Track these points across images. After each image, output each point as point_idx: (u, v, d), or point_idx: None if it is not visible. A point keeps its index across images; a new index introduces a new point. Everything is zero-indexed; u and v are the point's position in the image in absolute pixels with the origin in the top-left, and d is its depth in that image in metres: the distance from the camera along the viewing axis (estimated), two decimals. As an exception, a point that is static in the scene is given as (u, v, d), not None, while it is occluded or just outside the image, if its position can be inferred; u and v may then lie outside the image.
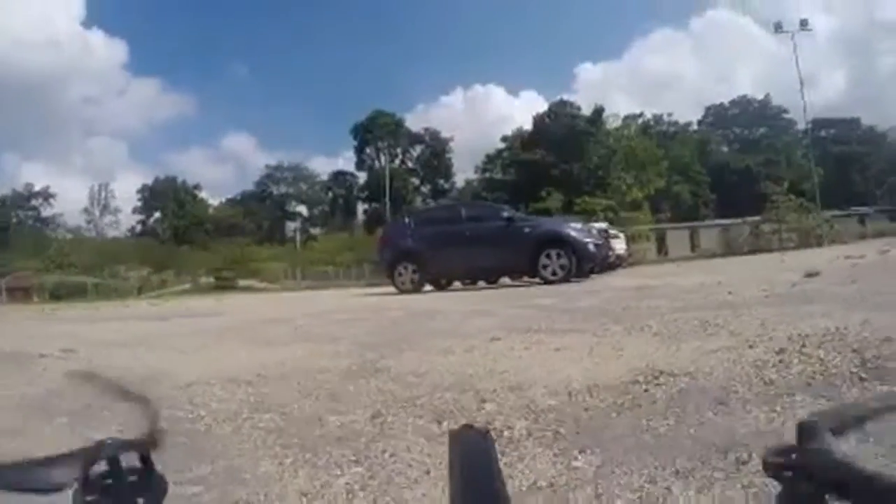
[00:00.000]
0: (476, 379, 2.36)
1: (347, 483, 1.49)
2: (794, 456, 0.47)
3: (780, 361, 2.09)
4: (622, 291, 6.09)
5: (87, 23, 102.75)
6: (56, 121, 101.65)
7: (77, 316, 9.86)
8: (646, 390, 1.88)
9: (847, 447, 0.44)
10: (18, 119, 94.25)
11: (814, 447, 0.46)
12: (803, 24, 35.96)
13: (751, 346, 2.34)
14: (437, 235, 11.84)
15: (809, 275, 5.02)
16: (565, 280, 10.50)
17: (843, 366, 1.99)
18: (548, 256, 10.74)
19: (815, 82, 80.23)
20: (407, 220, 13.37)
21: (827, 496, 0.45)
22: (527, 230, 11.08)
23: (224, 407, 2.31)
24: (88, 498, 0.46)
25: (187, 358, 3.69)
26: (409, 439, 1.75)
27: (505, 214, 11.50)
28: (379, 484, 1.47)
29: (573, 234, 10.96)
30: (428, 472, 1.50)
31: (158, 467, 0.50)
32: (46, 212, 69.08)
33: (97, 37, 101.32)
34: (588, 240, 10.99)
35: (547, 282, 10.52)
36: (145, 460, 0.50)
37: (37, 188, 68.79)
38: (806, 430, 0.46)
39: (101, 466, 0.47)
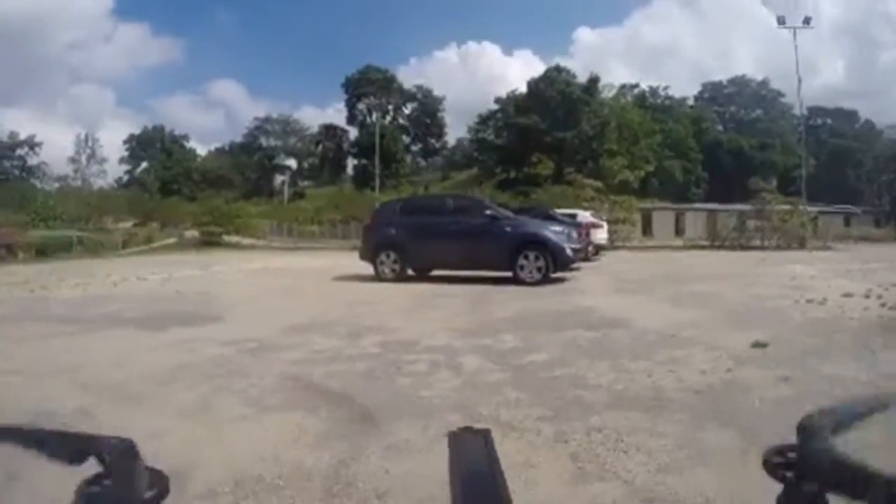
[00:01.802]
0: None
1: None
2: (794, 455, 0.49)
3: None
4: (584, 331, 6.30)
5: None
6: (40, 67, 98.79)
7: (67, 310, 9.07)
8: None
9: (846, 444, 0.45)
10: (1, 65, 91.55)
11: (814, 446, 0.47)
12: (806, 20, 35.79)
13: None
14: (421, 226, 12.03)
15: (757, 345, 5.18)
16: (541, 281, 10.81)
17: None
18: (526, 258, 11.00)
19: (815, 67, 79.70)
20: (393, 207, 13.50)
21: (828, 495, 0.46)
22: (507, 229, 11.26)
23: None
24: (93, 495, 0.47)
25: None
26: None
27: (488, 212, 11.65)
28: None
29: (552, 237, 11.15)
30: None
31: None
32: (32, 161, 67.26)
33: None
34: (566, 244, 11.18)
35: (522, 283, 10.81)
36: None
37: (21, 136, 66.66)
38: (805, 429, 0.48)
39: (103, 467, 0.48)
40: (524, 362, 4.84)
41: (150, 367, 4.90)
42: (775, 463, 0.50)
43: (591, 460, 2.83)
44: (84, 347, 5.92)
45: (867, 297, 8.31)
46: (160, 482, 0.51)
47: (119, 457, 0.49)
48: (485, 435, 0.66)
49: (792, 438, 0.50)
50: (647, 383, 4.14)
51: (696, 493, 2.42)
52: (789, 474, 0.49)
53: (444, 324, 6.90)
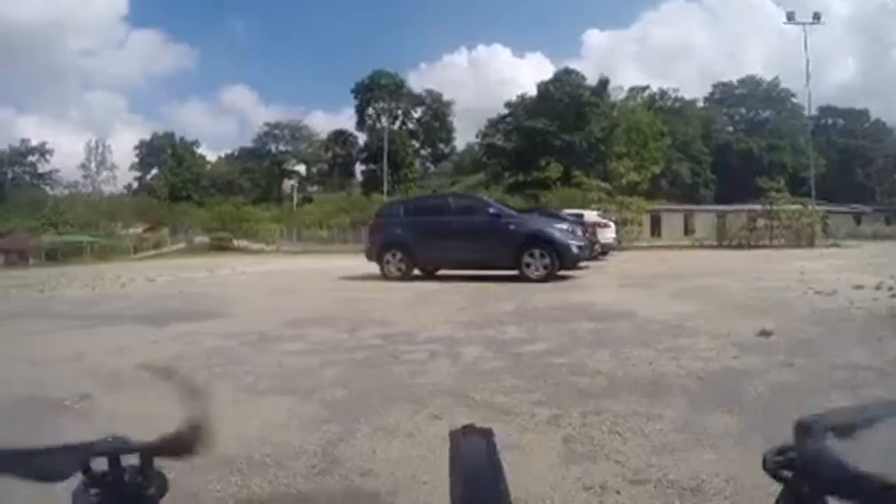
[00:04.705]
0: None
1: None
2: (793, 455, 0.48)
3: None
4: (587, 323, 6.25)
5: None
6: (52, 74, 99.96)
7: (73, 308, 9.24)
8: None
9: (845, 448, 0.44)
10: (13, 72, 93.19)
11: (813, 446, 0.46)
12: (816, 17, 35.60)
13: None
14: (426, 226, 12.03)
15: (763, 333, 5.09)
16: (547, 278, 10.76)
17: None
18: (531, 255, 10.96)
19: (826, 67, 79.41)
20: (397, 207, 13.50)
21: (827, 496, 0.45)
22: (512, 227, 11.23)
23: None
24: (91, 493, 0.47)
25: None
26: None
27: (492, 210, 11.64)
28: None
29: (557, 235, 11.12)
30: None
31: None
32: (43, 167, 67.95)
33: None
34: (571, 241, 11.14)
35: (528, 280, 10.77)
36: (146, 459, 0.50)
37: (33, 143, 67.63)
38: (804, 430, 0.47)
39: (102, 465, 0.48)
40: (524, 351, 4.80)
41: (149, 357, 5.03)
42: (775, 463, 0.49)
43: (584, 442, 2.77)
44: (87, 339, 6.04)
45: (878, 288, 8.17)
46: (159, 482, 0.51)
47: (117, 457, 0.49)
48: (486, 434, 0.65)
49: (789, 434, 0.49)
50: (648, 370, 4.06)
51: (690, 475, 2.34)
52: (789, 474, 0.48)
53: (447, 317, 6.87)
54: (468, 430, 0.67)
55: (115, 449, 0.49)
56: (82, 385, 4.00)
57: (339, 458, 2.65)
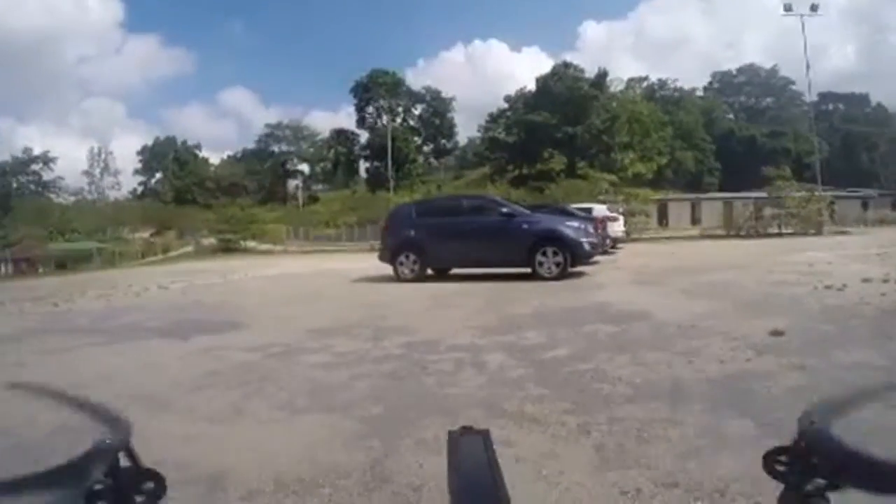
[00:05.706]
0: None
1: None
2: (796, 454, 0.49)
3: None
4: (604, 326, 6.33)
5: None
6: (51, 82, 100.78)
7: (90, 322, 9.22)
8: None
9: (847, 434, 0.45)
10: (12, 82, 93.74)
11: (820, 441, 0.46)
12: (812, 8, 35.54)
13: None
14: (439, 227, 12.17)
15: (776, 333, 5.21)
16: (560, 276, 10.88)
17: None
18: (544, 254, 11.08)
19: (825, 52, 79.12)
20: (409, 209, 13.62)
21: (829, 494, 0.46)
22: (524, 226, 11.36)
23: None
24: (90, 495, 0.47)
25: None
26: None
27: (504, 210, 11.77)
28: None
29: (569, 233, 11.24)
30: None
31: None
32: (47, 176, 68.01)
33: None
34: (583, 239, 11.27)
35: (541, 278, 10.89)
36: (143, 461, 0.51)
37: (36, 152, 67.69)
38: (808, 425, 0.47)
39: (101, 468, 0.48)
40: (546, 357, 4.94)
41: (178, 375, 5.09)
42: (776, 463, 0.52)
43: (615, 449, 2.92)
44: (111, 357, 6.12)
45: (885, 281, 8.26)
46: (157, 482, 0.52)
47: (117, 457, 0.50)
48: (484, 435, 0.66)
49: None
50: (667, 375, 4.21)
51: (716, 478, 2.49)
52: (790, 474, 0.50)
53: (466, 322, 7.01)
54: (466, 431, 0.68)
55: (112, 451, 0.49)
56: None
57: (388, 475, 2.76)
